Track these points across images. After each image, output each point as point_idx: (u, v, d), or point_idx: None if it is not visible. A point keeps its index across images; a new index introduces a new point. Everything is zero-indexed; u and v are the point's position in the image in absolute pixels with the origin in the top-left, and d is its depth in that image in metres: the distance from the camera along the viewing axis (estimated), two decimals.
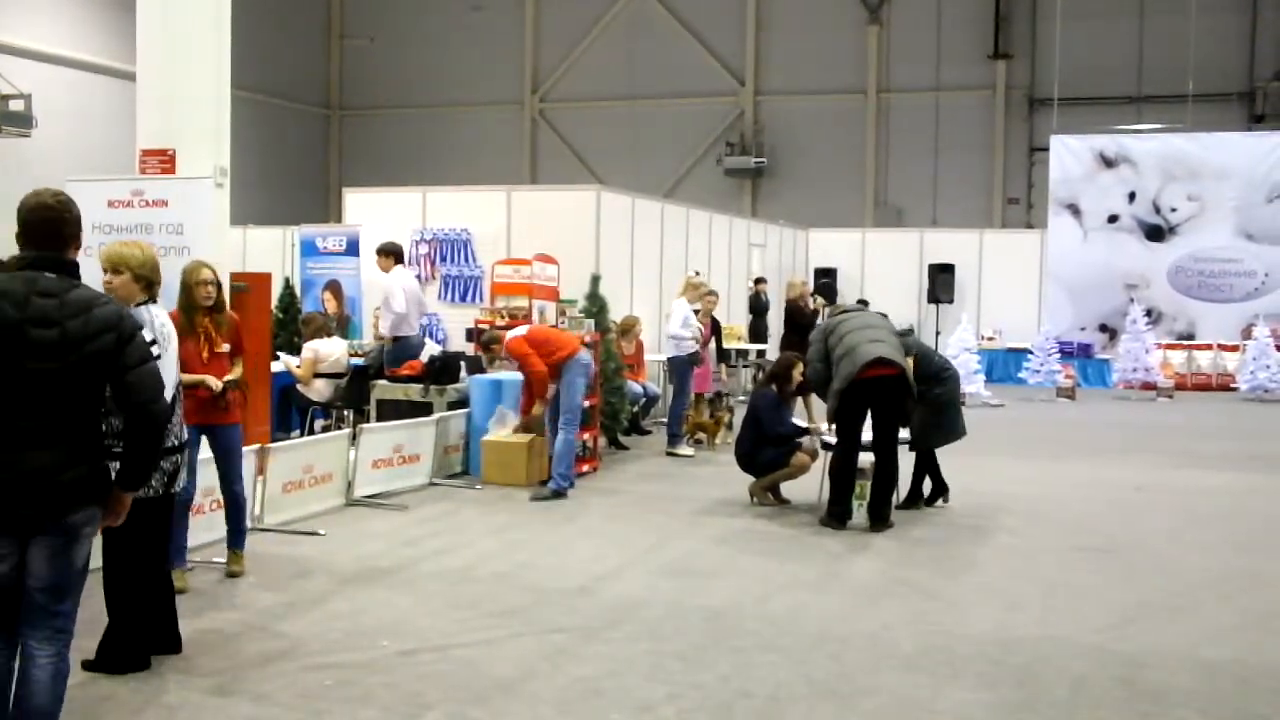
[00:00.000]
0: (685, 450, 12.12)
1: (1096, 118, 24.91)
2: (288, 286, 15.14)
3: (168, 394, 5.25)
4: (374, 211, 14.55)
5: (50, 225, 3.96)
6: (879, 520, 8.55)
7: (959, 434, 9.39)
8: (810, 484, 9.36)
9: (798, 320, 15.67)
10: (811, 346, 9.02)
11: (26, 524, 3.82)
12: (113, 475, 4.05)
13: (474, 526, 8.56)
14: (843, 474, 8.65)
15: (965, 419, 9.52)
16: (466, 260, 13.63)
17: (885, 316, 9.33)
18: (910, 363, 8.89)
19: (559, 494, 9.56)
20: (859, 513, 8.68)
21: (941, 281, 22.12)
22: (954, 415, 9.37)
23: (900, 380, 8.51)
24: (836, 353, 8.57)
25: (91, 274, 7.44)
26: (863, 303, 9.58)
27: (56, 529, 3.85)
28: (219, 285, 6.62)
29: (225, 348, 6.61)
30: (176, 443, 5.37)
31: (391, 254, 11.95)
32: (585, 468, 10.75)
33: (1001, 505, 9.52)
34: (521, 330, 10.09)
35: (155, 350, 5.16)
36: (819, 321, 14.93)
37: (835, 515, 8.63)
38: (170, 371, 5.33)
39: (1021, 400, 18.27)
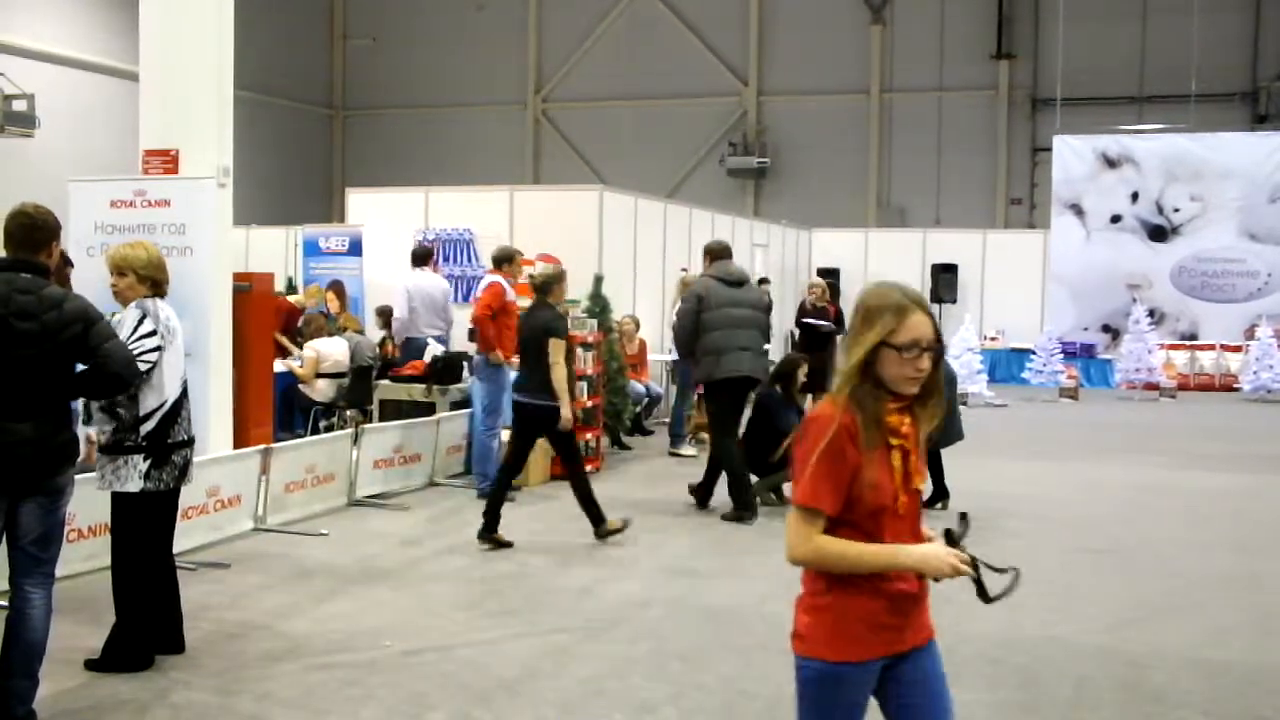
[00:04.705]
0: (688, 450, 12.12)
1: (1099, 118, 24.88)
2: (290, 286, 15.16)
3: (175, 388, 5.29)
4: (377, 211, 14.58)
5: (25, 231, 4.60)
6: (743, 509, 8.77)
7: (946, 439, 9.08)
8: None
9: (798, 319, 15.94)
10: (684, 304, 9.32)
11: (20, 486, 4.42)
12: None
13: (476, 526, 8.53)
14: (735, 468, 8.85)
15: (962, 422, 9.34)
16: (469, 260, 13.64)
17: (763, 287, 9.45)
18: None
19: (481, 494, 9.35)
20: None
21: (944, 281, 22.12)
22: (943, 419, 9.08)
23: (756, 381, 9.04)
24: (703, 340, 8.89)
25: (89, 274, 7.47)
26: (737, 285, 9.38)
27: (46, 489, 4.49)
28: (940, 353, 3.02)
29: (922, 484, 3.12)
30: (185, 438, 5.38)
31: (412, 257, 12.11)
32: (588, 467, 10.76)
33: (1003, 506, 9.51)
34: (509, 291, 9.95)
35: (157, 341, 5.18)
36: (811, 308, 15.16)
37: (742, 506, 8.76)
38: (177, 367, 5.34)
39: (1024, 400, 18.26)
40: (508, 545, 7.82)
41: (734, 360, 8.84)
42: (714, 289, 9.08)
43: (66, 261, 7.71)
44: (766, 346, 9.51)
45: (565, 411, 7.91)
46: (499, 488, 8.03)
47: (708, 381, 9.05)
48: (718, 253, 9.47)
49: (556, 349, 7.94)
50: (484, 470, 9.54)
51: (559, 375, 7.89)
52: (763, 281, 19.00)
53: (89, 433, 5.09)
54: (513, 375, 10.42)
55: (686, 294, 9.49)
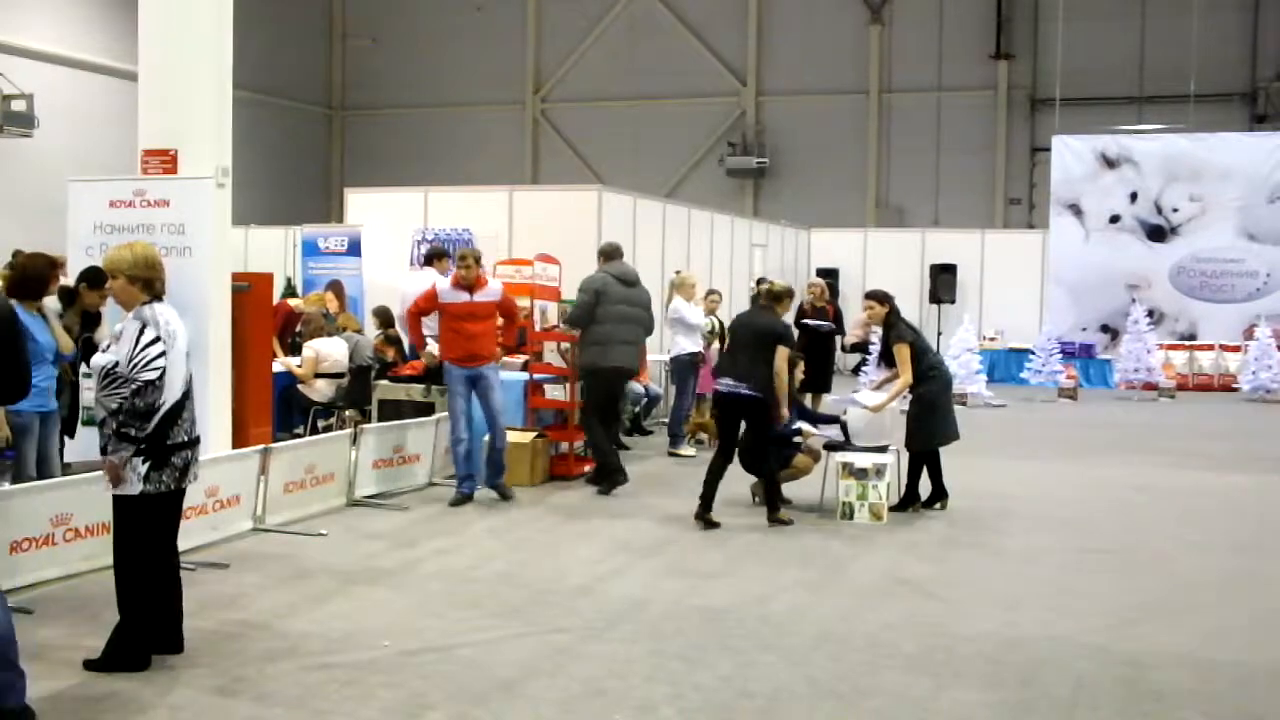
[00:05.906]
0: (687, 450, 12.12)
1: (1098, 118, 24.91)
2: (289, 286, 15.16)
3: (176, 390, 5.28)
4: (376, 212, 14.60)
5: None
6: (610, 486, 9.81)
7: (942, 439, 9.14)
8: (813, 485, 9.36)
9: (798, 320, 15.87)
10: (583, 294, 10.03)
11: None
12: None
13: (475, 526, 8.57)
14: (598, 444, 9.95)
15: (958, 423, 9.29)
16: None
17: (763, 287, 9.81)
18: (905, 352, 8.98)
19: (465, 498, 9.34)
20: (860, 512, 8.73)
21: (943, 282, 22.13)
22: (933, 418, 9.05)
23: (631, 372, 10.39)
24: (593, 330, 9.90)
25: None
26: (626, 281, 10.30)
27: None
28: None
29: None
30: (187, 438, 5.37)
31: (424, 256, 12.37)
32: (587, 467, 10.76)
33: (1002, 506, 9.51)
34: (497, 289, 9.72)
35: (161, 348, 5.17)
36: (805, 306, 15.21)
37: (607, 479, 9.81)
38: (178, 368, 5.33)
39: (1023, 400, 18.26)
40: (715, 526, 8.51)
41: (617, 353, 9.97)
42: (612, 286, 10.05)
43: (100, 282, 7.61)
44: (645, 342, 10.63)
45: (784, 411, 8.79)
46: (713, 474, 8.59)
47: (593, 369, 10.00)
48: (611, 254, 10.40)
49: (782, 356, 8.62)
50: (465, 472, 9.38)
51: (783, 381, 8.64)
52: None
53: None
54: (503, 378, 10.45)
55: (586, 287, 10.16)
